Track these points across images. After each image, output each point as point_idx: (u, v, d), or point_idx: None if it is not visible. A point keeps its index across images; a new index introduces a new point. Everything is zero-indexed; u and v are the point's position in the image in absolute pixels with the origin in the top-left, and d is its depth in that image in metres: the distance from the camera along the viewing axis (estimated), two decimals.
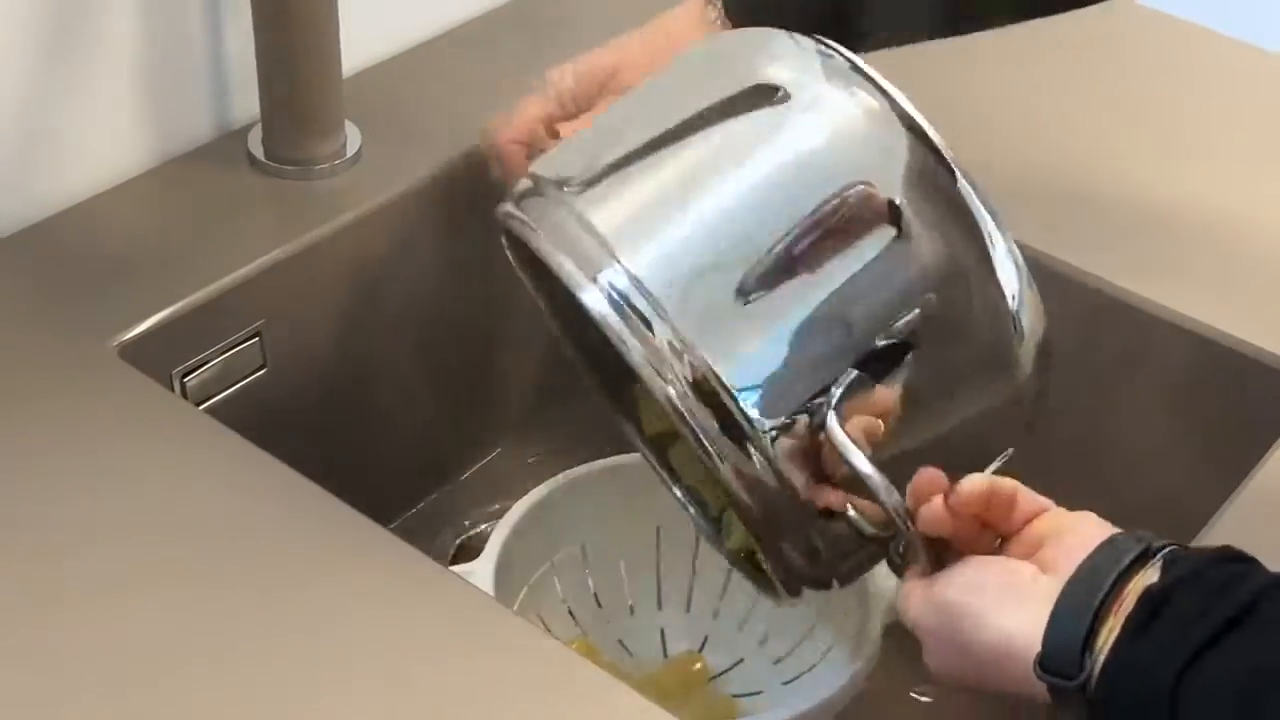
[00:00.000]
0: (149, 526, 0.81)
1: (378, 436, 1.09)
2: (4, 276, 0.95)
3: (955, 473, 0.72)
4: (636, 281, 0.75)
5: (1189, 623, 0.60)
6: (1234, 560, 0.64)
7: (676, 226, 0.76)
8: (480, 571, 0.94)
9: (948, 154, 0.76)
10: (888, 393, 0.75)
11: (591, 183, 0.79)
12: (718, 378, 0.74)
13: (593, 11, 1.22)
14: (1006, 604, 0.67)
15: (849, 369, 0.74)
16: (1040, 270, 1.01)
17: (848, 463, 0.72)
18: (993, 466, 0.81)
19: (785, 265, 0.75)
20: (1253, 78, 1.21)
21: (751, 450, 0.74)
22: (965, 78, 1.02)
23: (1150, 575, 0.63)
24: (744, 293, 0.74)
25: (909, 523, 0.72)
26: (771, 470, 0.74)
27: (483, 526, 1.09)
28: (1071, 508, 0.72)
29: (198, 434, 0.87)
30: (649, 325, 0.74)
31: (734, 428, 0.74)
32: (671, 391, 0.74)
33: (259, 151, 1.04)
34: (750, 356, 0.74)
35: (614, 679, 0.76)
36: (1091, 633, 0.63)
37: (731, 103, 0.79)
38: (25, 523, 0.81)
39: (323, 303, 1.03)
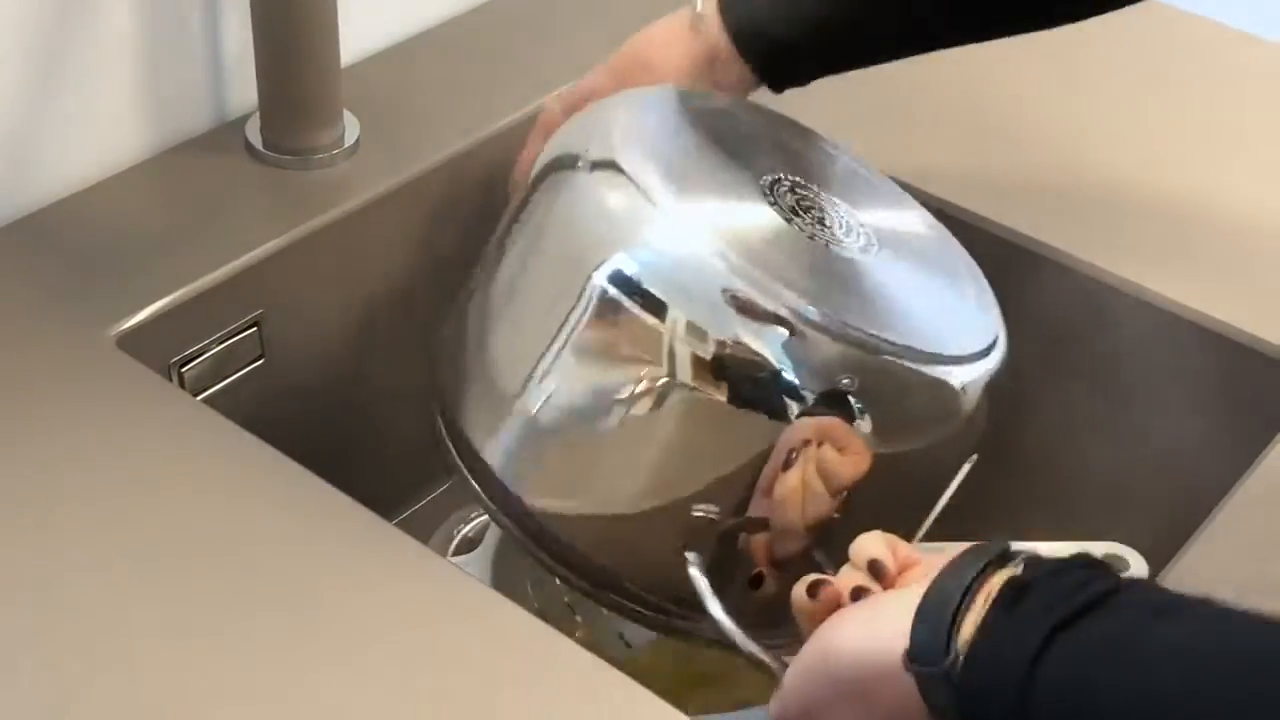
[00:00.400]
0: (146, 516, 0.81)
1: (377, 427, 1.09)
2: (2, 266, 0.95)
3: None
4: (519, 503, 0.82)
5: (1049, 607, 0.62)
6: (1091, 566, 0.65)
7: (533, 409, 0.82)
8: (479, 563, 0.93)
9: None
10: (840, 460, 0.77)
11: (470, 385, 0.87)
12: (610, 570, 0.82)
13: (591, 2, 1.22)
14: (869, 624, 0.67)
15: (700, 508, 0.78)
16: (1046, 260, 1.01)
17: (705, 610, 0.77)
18: (960, 474, 0.82)
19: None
20: (1256, 68, 1.21)
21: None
22: (970, 75, 1.01)
23: (1013, 571, 0.64)
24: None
25: (769, 660, 0.74)
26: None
27: (482, 519, 1.08)
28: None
29: (195, 424, 0.87)
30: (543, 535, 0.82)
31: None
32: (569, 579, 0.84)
33: (257, 141, 1.04)
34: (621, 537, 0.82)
35: (612, 670, 0.75)
36: (956, 623, 0.63)
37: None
38: (22, 512, 0.80)
39: (321, 293, 1.02)
